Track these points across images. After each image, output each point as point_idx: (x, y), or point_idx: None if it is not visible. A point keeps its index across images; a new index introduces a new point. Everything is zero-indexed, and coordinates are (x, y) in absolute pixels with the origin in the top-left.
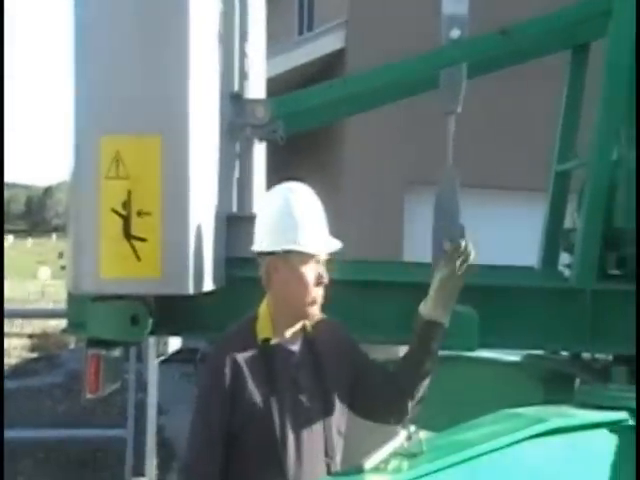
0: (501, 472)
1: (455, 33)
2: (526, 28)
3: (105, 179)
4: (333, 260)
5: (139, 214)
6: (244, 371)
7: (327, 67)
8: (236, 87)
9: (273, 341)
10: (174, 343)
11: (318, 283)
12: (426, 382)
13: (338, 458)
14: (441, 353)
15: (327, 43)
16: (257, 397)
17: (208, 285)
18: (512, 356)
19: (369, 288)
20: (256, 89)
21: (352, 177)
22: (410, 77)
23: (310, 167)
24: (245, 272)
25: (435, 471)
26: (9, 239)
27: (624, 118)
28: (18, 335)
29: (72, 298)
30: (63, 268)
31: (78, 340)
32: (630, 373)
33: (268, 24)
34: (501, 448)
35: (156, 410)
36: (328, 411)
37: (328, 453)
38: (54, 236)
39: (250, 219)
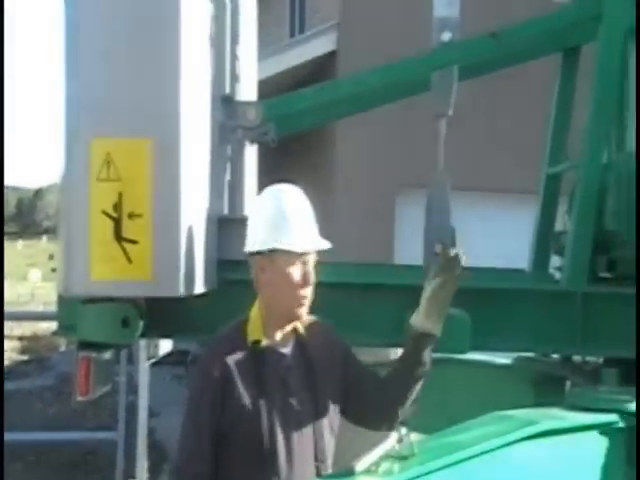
0: (492, 474)
1: (446, 36)
2: (518, 31)
3: (96, 181)
4: (319, 263)
5: (130, 216)
6: (234, 373)
7: (319, 69)
8: (227, 89)
9: (263, 343)
10: (165, 345)
11: (305, 283)
12: (418, 389)
13: (330, 461)
14: (432, 356)
15: (319, 45)
16: (246, 398)
17: (199, 287)
18: (503, 359)
19: (363, 290)
20: (247, 91)
21: (343, 179)
22: (402, 79)
23: (302, 169)
24: (236, 274)
25: (426, 473)
26: None
27: (614, 121)
28: (8, 337)
29: (63, 300)
30: (54, 270)
31: (69, 342)
32: (620, 375)
33: (259, 26)
34: (492, 450)
35: (147, 412)
36: (319, 414)
37: (318, 457)
38: (44, 238)
39: (241, 221)
